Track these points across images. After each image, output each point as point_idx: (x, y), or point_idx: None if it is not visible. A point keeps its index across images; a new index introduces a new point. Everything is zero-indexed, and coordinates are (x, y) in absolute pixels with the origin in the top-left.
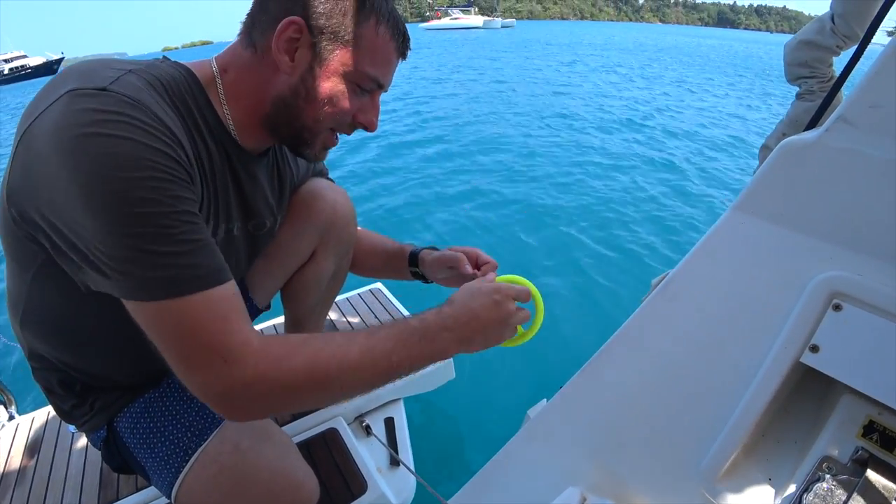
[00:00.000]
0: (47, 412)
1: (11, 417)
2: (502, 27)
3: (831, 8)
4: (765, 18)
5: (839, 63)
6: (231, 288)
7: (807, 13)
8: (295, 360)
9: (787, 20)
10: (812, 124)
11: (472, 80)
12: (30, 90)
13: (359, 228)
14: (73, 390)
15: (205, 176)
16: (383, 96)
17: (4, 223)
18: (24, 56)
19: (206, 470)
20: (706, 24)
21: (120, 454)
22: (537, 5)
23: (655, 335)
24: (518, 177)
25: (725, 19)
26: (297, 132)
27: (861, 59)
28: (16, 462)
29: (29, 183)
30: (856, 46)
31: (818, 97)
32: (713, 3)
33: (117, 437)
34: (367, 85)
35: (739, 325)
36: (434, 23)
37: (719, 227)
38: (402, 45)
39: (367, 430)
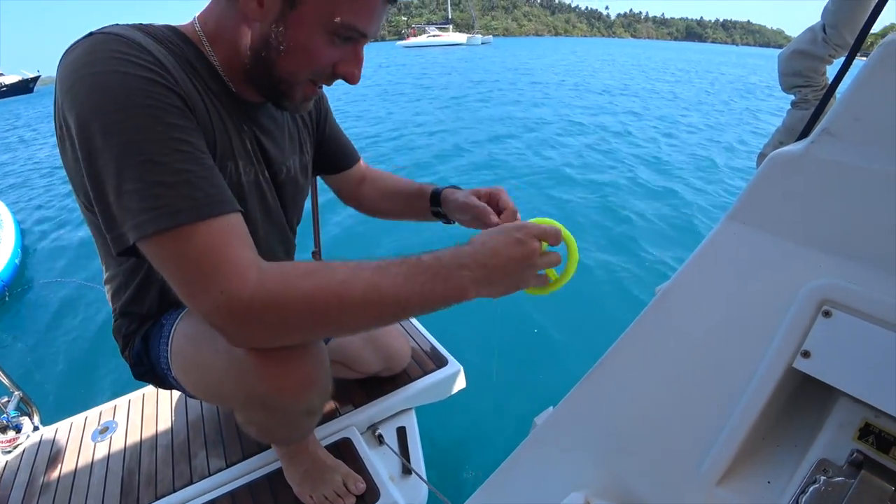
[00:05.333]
0: (70, 423)
1: (36, 428)
2: (482, 44)
3: (822, 18)
4: (730, 32)
5: (834, 71)
6: (232, 219)
7: (769, 27)
8: (293, 293)
9: (751, 33)
10: (806, 132)
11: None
12: (2, 108)
13: (377, 170)
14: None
15: (210, 113)
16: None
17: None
18: (0, 74)
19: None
20: (675, 39)
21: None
22: (512, 22)
23: (655, 343)
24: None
25: (694, 33)
26: (274, 84)
27: (852, 67)
28: (40, 471)
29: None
30: (846, 55)
31: (813, 105)
32: (681, 19)
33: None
34: (346, 34)
35: (735, 332)
36: (412, 40)
37: (713, 237)
38: None
39: (380, 440)
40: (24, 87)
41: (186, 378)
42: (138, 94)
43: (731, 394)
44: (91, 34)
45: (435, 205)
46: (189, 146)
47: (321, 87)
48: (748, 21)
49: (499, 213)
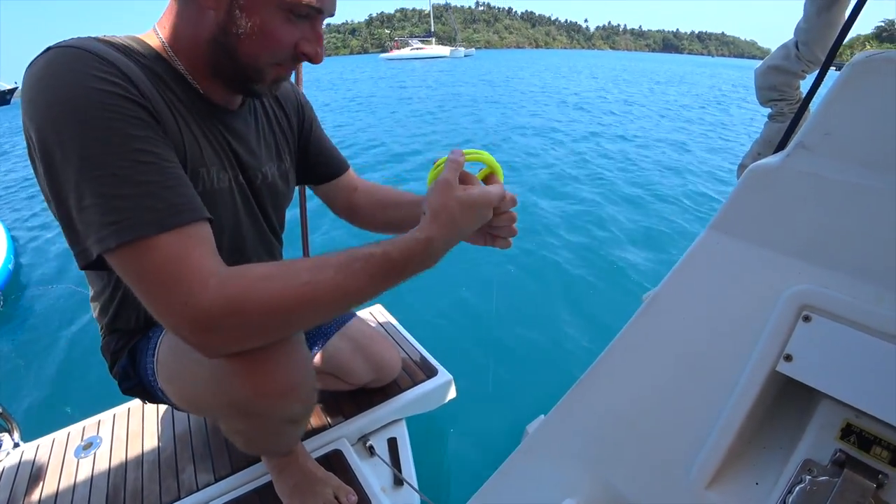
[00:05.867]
0: (52, 439)
1: (16, 445)
2: (465, 56)
3: (795, 35)
4: (706, 44)
5: (808, 85)
6: (195, 228)
7: (742, 38)
8: (254, 297)
9: (725, 45)
10: (782, 144)
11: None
12: None
13: (369, 182)
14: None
15: (178, 122)
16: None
17: None
18: None
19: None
20: (653, 50)
21: (135, 376)
22: (494, 35)
23: (643, 350)
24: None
25: (670, 45)
26: (241, 70)
27: (825, 80)
28: (20, 491)
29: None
30: (818, 70)
31: (788, 118)
32: (658, 31)
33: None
34: (302, 11)
35: (720, 337)
36: (395, 53)
37: (697, 246)
38: None
39: (371, 451)
40: (1, 98)
41: (171, 388)
42: (97, 106)
43: (717, 398)
44: (49, 48)
45: None
46: (152, 156)
47: (289, 71)
48: (722, 33)
49: None
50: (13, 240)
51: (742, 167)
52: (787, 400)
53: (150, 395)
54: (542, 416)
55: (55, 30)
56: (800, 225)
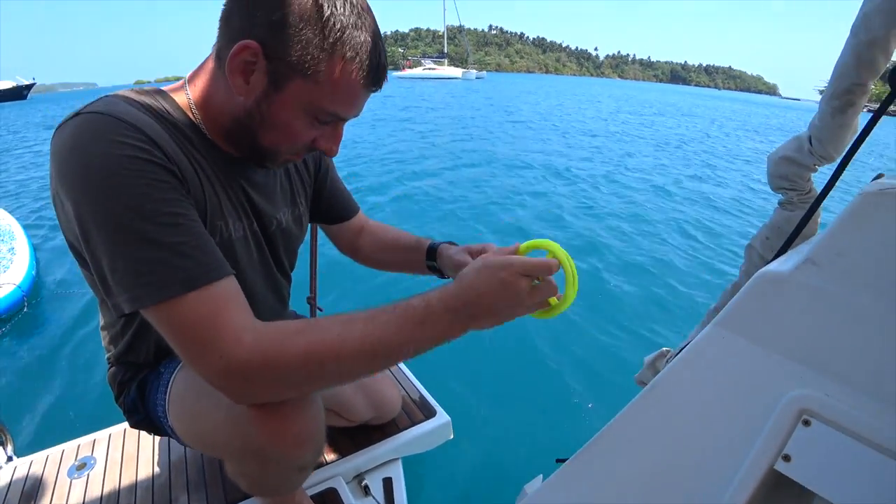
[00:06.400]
0: (46, 455)
1: (10, 459)
2: (476, 78)
3: (809, 129)
4: (713, 77)
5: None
6: (225, 284)
7: (749, 73)
8: (289, 352)
9: (732, 78)
10: (792, 238)
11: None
12: None
13: (376, 222)
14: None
15: (200, 178)
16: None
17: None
18: None
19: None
20: (661, 81)
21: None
22: (505, 59)
23: (643, 433)
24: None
25: (678, 76)
26: (256, 151)
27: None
28: None
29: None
30: (836, 164)
31: (798, 207)
32: (666, 62)
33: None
34: (326, 118)
35: (718, 432)
36: (407, 72)
37: (702, 340)
38: (371, 80)
39: (366, 490)
40: (18, 93)
41: (181, 426)
42: (125, 174)
43: (711, 493)
44: (79, 113)
45: (430, 259)
46: (180, 217)
47: (302, 156)
48: (729, 67)
49: None
50: (34, 248)
51: (750, 247)
52: (781, 499)
53: (158, 429)
54: (541, 477)
55: (58, 27)
56: (805, 333)
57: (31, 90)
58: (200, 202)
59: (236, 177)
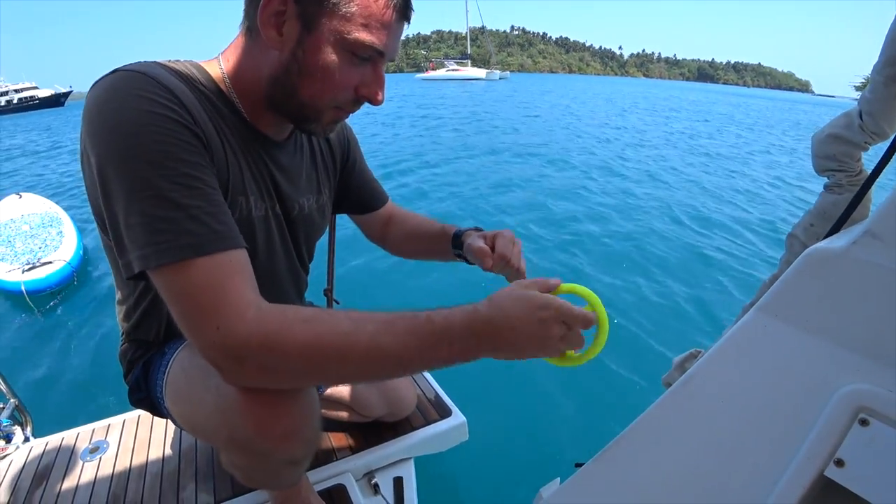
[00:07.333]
0: (61, 437)
1: (27, 439)
2: (500, 78)
3: (860, 104)
4: (741, 74)
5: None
6: (235, 255)
7: (780, 70)
8: (291, 339)
9: (762, 76)
10: (841, 222)
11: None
12: (35, 119)
13: (404, 210)
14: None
15: (226, 150)
16: None
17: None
18: (35, 87)
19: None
20: (687, 79)
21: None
22: (528, 59)
23: (673, 432)
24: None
25: (705, 74)
26: (299, 109)
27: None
28: (24, 487)
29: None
30: (889, 141)
31: (846, 190)
32: (693, 60)
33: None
34: (364, 53)
35: (760, 430)
36: (431, 73)
37: (742, 328)
38: (401, 6)
39: (376, 489)
40: (56, 100)
41: (176, 409)
42: (152, 130)
43: (754, 497)
44: (116, 70)
45: (456, 247)
46: (199, 182)
47: (347, 114)
48: (759, 63)
49: (492, 248)
50: (80, 231)
51: (792, 236)
52: None
53: (158, 410)
54: (558, 480)
55: (94, 39)
56: (863, 318)
57: (69, 97)
58: (223, 173)
59: (262, 156)
